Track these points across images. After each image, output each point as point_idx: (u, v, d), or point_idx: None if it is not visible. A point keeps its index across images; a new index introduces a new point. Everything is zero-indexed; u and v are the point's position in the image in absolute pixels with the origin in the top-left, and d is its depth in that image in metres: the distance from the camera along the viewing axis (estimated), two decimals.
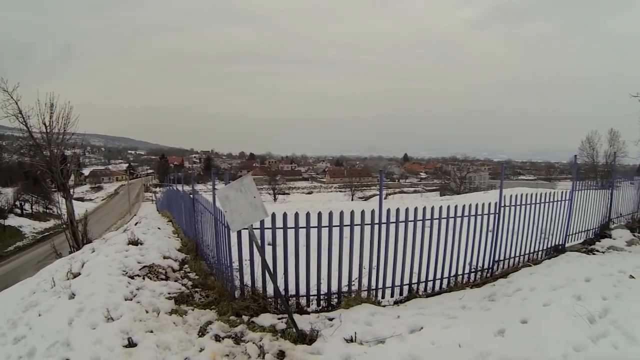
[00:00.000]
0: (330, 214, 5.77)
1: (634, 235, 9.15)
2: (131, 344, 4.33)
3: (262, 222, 5.39)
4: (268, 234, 5.55)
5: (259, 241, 5.05)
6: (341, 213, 5.80)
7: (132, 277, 6.29)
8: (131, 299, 5.42)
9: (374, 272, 6.06)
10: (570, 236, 8.82)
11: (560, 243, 8.47)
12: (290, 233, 5.57)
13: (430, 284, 6.58)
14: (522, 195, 7.66)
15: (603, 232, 9.61)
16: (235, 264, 5.64)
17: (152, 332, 4.61)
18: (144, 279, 6.36)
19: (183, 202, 11.21)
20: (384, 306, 5.89)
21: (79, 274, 6.60)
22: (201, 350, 4.36)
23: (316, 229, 5.68)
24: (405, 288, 6.40)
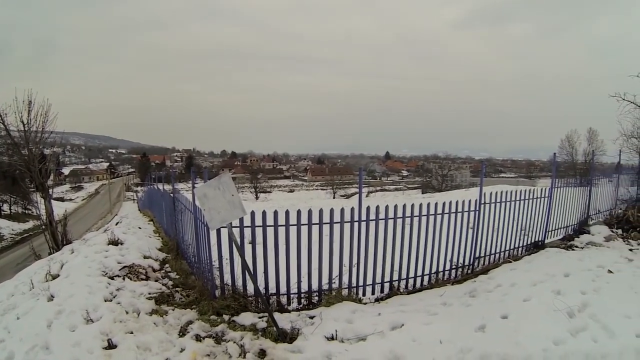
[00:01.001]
0: (310, 212, 5.75)
1: (612, 231, 9.30)
2: (111, 346, 4.27)
3: (241, 221, 5.37)
4: (250, 232, 5.54)
5: (238, 240, 5.03)
6: (320, 211, 5.79)
7: (112, 278, 6.21)
8: (111, 300, 5.35)
9: (354, 269, 6.07)
10: (550, 232, 8.94)
11: (540, 239, 8.58)
12: (270, 231, 5.54)
13: (411, 281, 6.62)
14: (502, 192, 7.74)
15: (582, 228, 9.74)
16: (216, 263, 5.61)
17: (132, 333, 4.56)
18: (124, 279, 6.29)
19: (164, 201, 11.11)
20: (365, 304, 5.90)
21: (58, 275, 6.49)
22: (182, 350, 4.32)
23: (295, 227, 5.68)
24: (387, 285, 6.43)
